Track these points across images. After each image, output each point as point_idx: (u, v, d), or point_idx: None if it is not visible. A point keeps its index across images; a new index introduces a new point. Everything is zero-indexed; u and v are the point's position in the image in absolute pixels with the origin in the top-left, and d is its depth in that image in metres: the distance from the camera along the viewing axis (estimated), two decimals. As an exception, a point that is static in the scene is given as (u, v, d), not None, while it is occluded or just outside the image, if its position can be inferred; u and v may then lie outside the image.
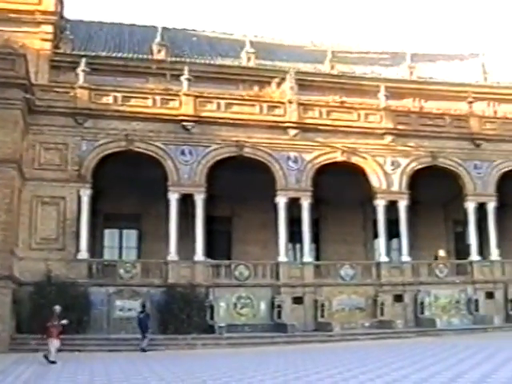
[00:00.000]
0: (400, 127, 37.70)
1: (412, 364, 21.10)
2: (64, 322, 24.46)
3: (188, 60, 42.65)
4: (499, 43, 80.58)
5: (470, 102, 39.98)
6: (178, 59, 42.84)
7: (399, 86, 45.23)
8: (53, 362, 23.20)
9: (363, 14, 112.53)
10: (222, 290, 33.37)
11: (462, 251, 40.64)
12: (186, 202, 34.47)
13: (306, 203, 35.67)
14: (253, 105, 36.43)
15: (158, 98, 34.97)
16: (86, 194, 32.83)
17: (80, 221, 32.57)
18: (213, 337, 31.00)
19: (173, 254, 33.28)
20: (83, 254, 32.30)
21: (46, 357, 23.51)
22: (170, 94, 35.78)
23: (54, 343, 23.88)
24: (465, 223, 39.24)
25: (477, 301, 36.55)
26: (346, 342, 30.69)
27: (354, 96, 43.33)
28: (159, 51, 43.40)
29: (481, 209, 38.41)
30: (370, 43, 55.06)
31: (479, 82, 48.66)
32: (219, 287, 33.40)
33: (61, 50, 40.99)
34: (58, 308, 24.84)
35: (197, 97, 35.30)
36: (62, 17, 43.64)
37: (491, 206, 38.40)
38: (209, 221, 34.88)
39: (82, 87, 33.77)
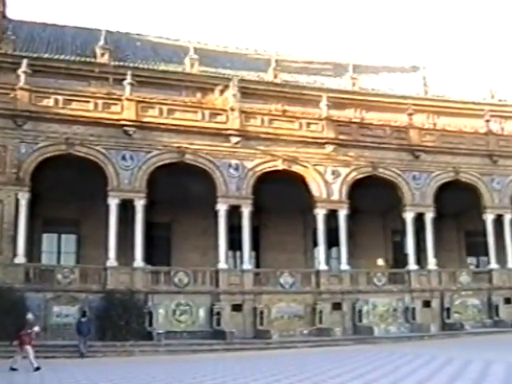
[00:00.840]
0: (341, 137, 38.07)
1: (349, 371, 21.32)
2: (36, 329, 24.20)
3: (131, 64, 42.38)
4: (440, 57, 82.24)
5: (410, 114, 40.67)
6: (121, 63, 42.54)
7: (341, 96, 45.78)
8: (38, 369, 22.80)
9: (307, 23, 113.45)
10: (161, 297, 33.17)
11: (399, 260, 41.32)
12: (126, 207, 34.13)
13: (246, 211, 35.70)
14: (195, 111, 36.28)
15: (99, 101, 34.55)
16: (24, 198, 32.18)
17: (17, 225, 31.91)
18: (151, 344, 30.77)
19: (112, 260, 32.91)
20: (20, 258, 31.63)
21: (37, 368, 23.00)
22: (112, 99, 35.43)
23: (30, 350, 23.51)
24: (403, 233, 39.88)
25: (414, 309, 37.12)
26: (284, 350, 30.81)
27: (297, 105, 43.65)
28: (102, 55, 42.93)
29: (419, 219, 39.05)
30: (314, 53, 55.55)
31: (420, 94, 49.59)
32: (158, 294, 33.17)
33: (2, 51, 40.21)
34: (30, 316, 24.66)
35: (139, 102, 35.04)
36: (4, 16, 43.07)
37: (429, 217, 39.05)
38: (149, 227, 34.65)
39: (22, 89, 33.14)
